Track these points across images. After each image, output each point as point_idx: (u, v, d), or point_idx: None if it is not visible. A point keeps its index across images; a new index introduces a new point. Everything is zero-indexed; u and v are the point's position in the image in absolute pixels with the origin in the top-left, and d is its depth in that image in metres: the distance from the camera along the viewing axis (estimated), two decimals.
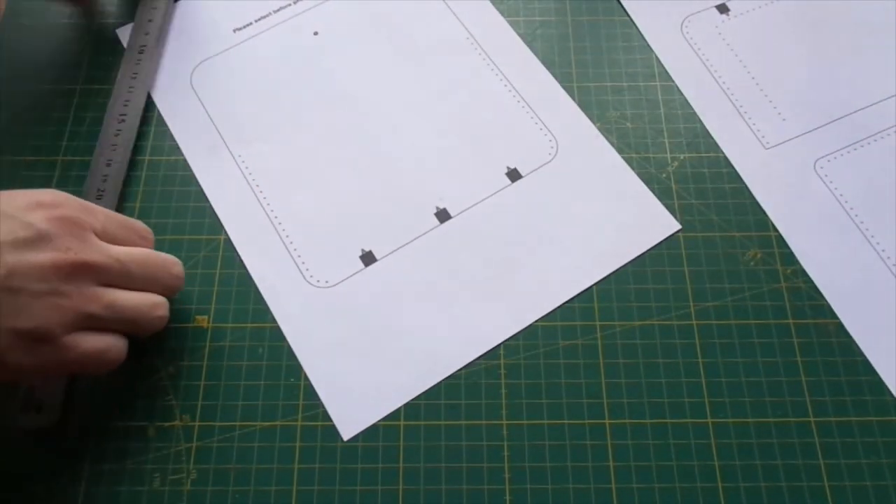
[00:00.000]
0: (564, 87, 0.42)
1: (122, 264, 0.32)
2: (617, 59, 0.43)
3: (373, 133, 0.41)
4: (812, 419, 0.34)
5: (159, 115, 0.42)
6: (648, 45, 0.44)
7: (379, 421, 0.34)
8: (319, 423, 0.34)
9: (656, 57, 0.43)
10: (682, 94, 0.42)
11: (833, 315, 0.36)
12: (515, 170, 0.40)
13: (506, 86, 0.42)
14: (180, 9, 0.45)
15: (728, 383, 0.35)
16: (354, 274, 0.37)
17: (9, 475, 0.33)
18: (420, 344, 0.36)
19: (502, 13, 0.45)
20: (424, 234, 0.38)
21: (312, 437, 0.34)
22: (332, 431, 0.34)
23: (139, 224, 0.35)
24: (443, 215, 0.39)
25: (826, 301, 0.37)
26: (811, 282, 0.37)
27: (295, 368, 0.36)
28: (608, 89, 0.42)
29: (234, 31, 0.44)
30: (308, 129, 0.41)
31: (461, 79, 0.43)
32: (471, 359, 0.36)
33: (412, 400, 0.35)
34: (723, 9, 0.45)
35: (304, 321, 0.36)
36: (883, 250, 0.38)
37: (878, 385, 0.35)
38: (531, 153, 0.40)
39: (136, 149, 0.41)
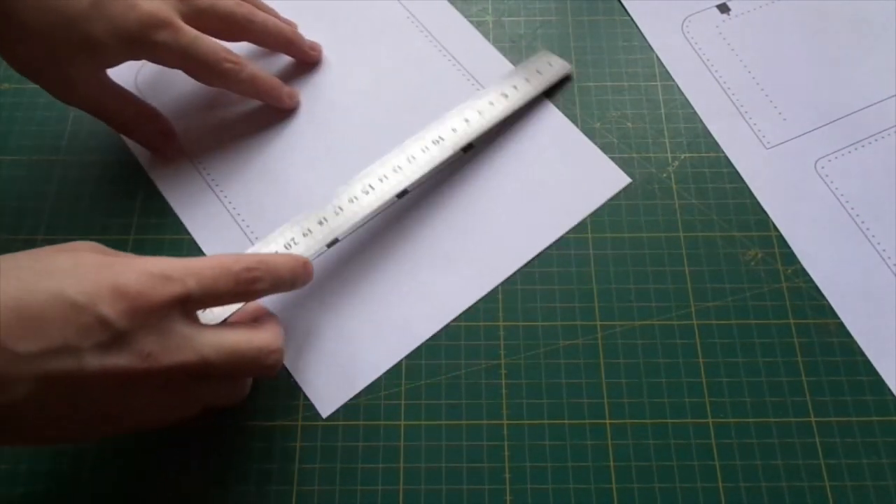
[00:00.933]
0: (565, 87, 0.42)
1: (205, 361, 0.28)
2: (617, 58, 0.43)
3: (323, 119, 0.42)
4: (813, 419, 0.34)
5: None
6: (649, 45, 0.44)
7: (380, 421, 0.34)
8: (320, 423, 0.34)
9: (657, 57, 0.43)
10: (682, 93, 0.42)
11: (834, 315, 0.36)
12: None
13: (450, 61, 0.43)
14: None
15: (729, 383, 0.35)
16: (318, 256, 0.38)
17: (9, 477, 0.33)
18: (390, 317, 0.37)
19: (502, 13, 0.45)
20: (384, 211, 0.39)
21: (313, 437, 0.34)
22: (333, 431, 0.34)
23: (226, 260, 0.30)
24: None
25: (827, 301, 0.37)
26: (812, 282, 0.37)
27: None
28: (609, 89, 0.42)
29: None
30: (259, 122, 0.41)
31: (407, 60, 0.43)
32: (441, 325, 0.36)
33: (412, 401, 0.35)
34: (723, 8, 0.45)
35: (274, 309, 0.37)
36: (884, 250, 0.38)
37: (879, 385, 0.35)
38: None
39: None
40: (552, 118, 0.42)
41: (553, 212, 0.39)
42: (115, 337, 0.26)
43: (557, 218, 0.39)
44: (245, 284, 0.30)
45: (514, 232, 0.39)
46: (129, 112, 0.38)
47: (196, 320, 0.29)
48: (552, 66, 0.42)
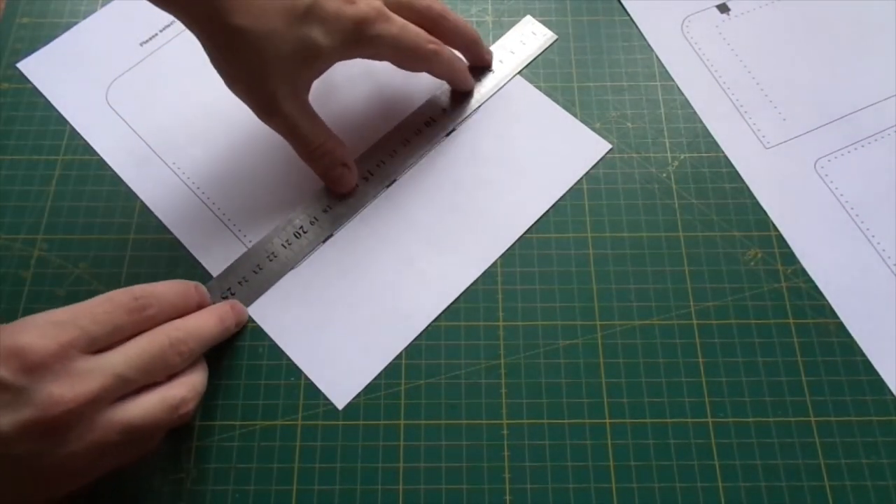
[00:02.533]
0: (565, 87, 0.42)
1: (121, 377, 0.28)
2: (617, 58, 0.43)
3: None
4: (812, 419, 0.34)
5: (87, 143, 0.41)
6: (649, 45, 0.44)
7: (380, 421, 0.34)
8: (319, 423, 0.34)
9: (656, 57, 0.43)
10: (682, 93, 0.42)
11: (833, 315, 0.36)
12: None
13: None
14: (82, 31, 0.44)
15: (728, 383, 0.35)
16: (313, 252, 0.38)
17: None
18: (393, 305, 0.37)
19: (502, 13, 0.45)
20: (373, 201, 0.39)
21: (312, 437, 0.34)
22: (333, 431, 0.34)
23: (113, 294, 0.30)
24: (389, 181, 0.40)
25: (826, 301, 0.37)
26: (811, 281, 0.37)
27: (295, 367, 0.36)
28: (608, 89, 0.42)
29: (141, 44, 0.44)
30: (234, 126, 0.41)
31: None
32: (443, 307, 0.37)
33: (411, 401, 0.35)
34: (723, 8, 0.45)
35: (278, 308, 0.37)
36: (883, 250, 0.38)
37: (879, 384, 0.35)
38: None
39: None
40: (526, 92, 0.42)
41: (539, 185, 0.40)
42: (16, 394, 0.26)
43: (544, 190, 0.40)
44: (137, 312, 0.30)
45: (504, 209, 0.39)
46: (320, 138, 0.37)
47: (100, 354, 0.29)
48: (536, 36, 0.43)
